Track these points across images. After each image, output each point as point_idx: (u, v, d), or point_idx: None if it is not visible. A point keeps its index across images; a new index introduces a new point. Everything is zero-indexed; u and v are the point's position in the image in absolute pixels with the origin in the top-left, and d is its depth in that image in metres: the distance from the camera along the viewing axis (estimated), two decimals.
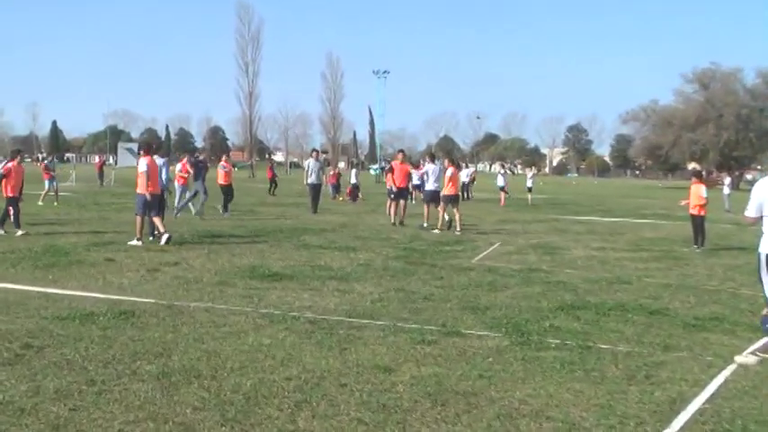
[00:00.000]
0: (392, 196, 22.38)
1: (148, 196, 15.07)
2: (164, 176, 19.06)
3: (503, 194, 36.93)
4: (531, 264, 13.87)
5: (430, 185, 21.13)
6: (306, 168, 26.58)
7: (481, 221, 24.66)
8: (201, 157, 25.19)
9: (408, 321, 8.50)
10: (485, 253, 15.44)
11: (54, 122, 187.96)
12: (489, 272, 12.66)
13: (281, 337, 7.58)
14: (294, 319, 8.38)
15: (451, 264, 13.55)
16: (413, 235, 18.73)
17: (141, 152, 16.27)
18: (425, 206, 21.26)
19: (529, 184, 40.51)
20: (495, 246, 16.85)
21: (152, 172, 15.38)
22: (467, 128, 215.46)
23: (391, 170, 23.02)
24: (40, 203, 25.36)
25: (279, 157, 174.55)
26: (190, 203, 22.60)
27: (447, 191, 20.14)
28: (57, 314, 8.29)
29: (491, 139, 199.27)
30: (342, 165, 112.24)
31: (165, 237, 14.99)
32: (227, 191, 24.34)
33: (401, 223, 21.29)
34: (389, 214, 22.33)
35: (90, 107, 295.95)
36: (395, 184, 22.16)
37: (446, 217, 20.17)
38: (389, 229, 20.21)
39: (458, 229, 19.68)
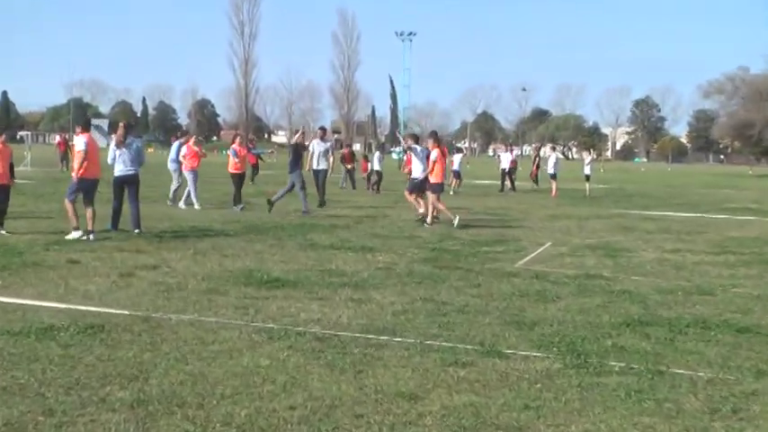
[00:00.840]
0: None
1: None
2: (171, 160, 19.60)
3: (554, 184, 36.93)
4: (588, 269, 13.83)
5: (417, 173, 21.79)
6: (310, 151, 26.57)
7: (528, 216, 24.65)
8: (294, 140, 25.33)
9: (438, 338, 8.51)
10: (532, 255, 15.43)
11: (4, 93, 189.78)
12: (537, 278, 12.65)
13: (282, 357, 7.61)
14: (299, 336, 8.41)
15: (491, 268, 13.55)
16: (443, 233, 18.74)
17: (79, 129, 16.78)
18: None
19: (587, 171, 40.44)
20: (545, 246, 16.83)
21: (91, 153, 15.86)
22: (510, 102, 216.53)
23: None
24: None
25: (281, 137, 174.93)
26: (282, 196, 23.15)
27: (434, 178, 20.84)
28: (7, 328, 8.35)
29: (540, 115, 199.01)
30: (357, 147, 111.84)
31: (76, 233, 15.43)
32: (239, 181, 24.73)
33: (435, 218, 21.48)
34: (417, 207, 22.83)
35: (49, 75, 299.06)
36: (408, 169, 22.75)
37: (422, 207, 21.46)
38: (415, 226, 20.23)
39: (428, 221, 20.62)
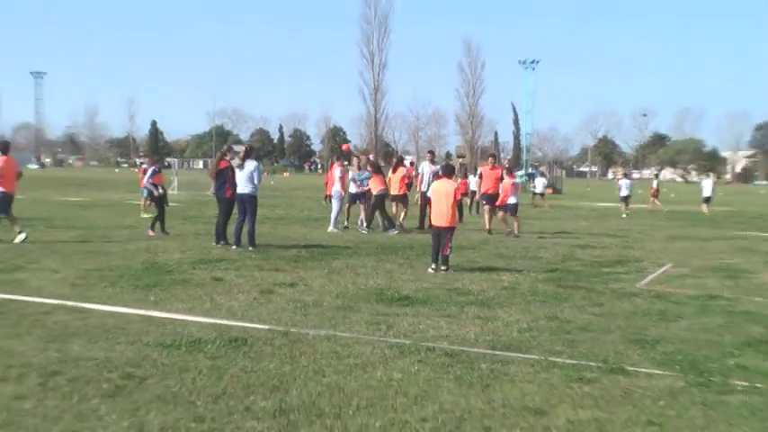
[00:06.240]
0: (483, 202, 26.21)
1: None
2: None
3: (623, 206, 36.97)
4: (709, 290, 13.51)
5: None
6: (420, 174, 26.45)
7: (647, 238, 24.21)
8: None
9: (562, 355, 8.46)
10: (653, 276, 15.16)
11: (153, 123, 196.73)
12: (658, 298, 12.45)
13: (413, 370, 7.67)
14: (429, 351, 8.47)
15: (613, 288, 13.37)
16: (565, 254, 18.55)
17: None
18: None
19: (707, 192, 40.32)
20: (666, 267, 16.50)
21: (6, 171, 17.57)
22: (630, 127, 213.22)
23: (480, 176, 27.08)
24: (144, 215, 26.12)
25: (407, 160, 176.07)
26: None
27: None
28: (160, 341, 8.64)
29: (659, 140, 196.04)
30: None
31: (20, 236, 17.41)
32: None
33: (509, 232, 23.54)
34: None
35: (194, 106, 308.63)
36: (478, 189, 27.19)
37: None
38: (536, 247, 20.10)
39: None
